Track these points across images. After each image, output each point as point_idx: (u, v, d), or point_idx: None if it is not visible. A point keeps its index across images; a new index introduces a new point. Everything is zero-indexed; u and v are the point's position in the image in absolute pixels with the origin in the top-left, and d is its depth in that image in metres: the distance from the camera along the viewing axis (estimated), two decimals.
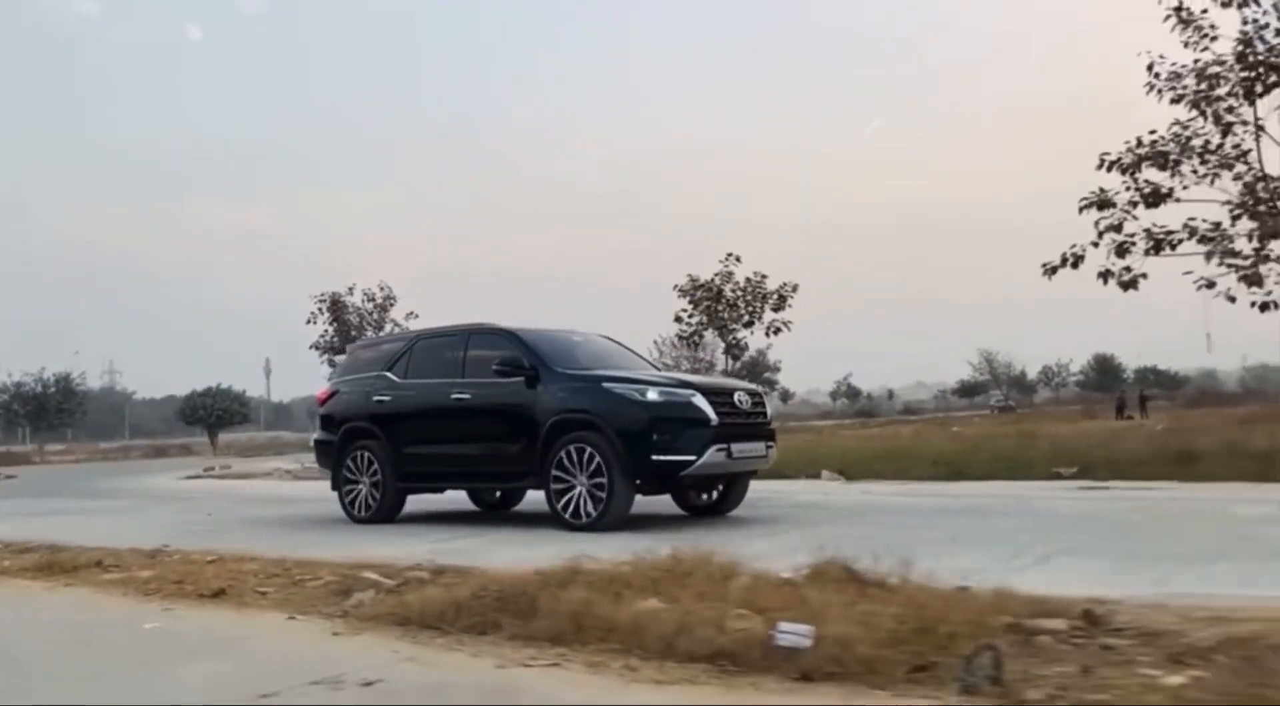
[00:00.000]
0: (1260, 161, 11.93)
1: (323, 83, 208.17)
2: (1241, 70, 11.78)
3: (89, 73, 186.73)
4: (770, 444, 8.39)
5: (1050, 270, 12.61)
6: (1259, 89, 11.78)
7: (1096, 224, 12.32)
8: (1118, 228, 12.22)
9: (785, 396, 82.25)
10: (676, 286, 20.61)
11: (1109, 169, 12.36)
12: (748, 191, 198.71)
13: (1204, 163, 12.05)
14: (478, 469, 8.90)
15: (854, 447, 17.63)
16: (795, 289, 20.33)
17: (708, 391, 7.99)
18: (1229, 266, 11.72)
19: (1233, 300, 11.80)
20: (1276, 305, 11.70)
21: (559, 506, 7.92)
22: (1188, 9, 12.08)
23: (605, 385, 8.01)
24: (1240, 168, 12.05)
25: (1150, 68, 12.28)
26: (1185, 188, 12.24)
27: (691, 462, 7.65)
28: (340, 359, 23.23)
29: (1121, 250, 12.13)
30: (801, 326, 20.64)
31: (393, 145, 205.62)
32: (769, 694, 3.19)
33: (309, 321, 24.27)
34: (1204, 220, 11.95)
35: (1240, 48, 11.82)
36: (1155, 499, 8.98)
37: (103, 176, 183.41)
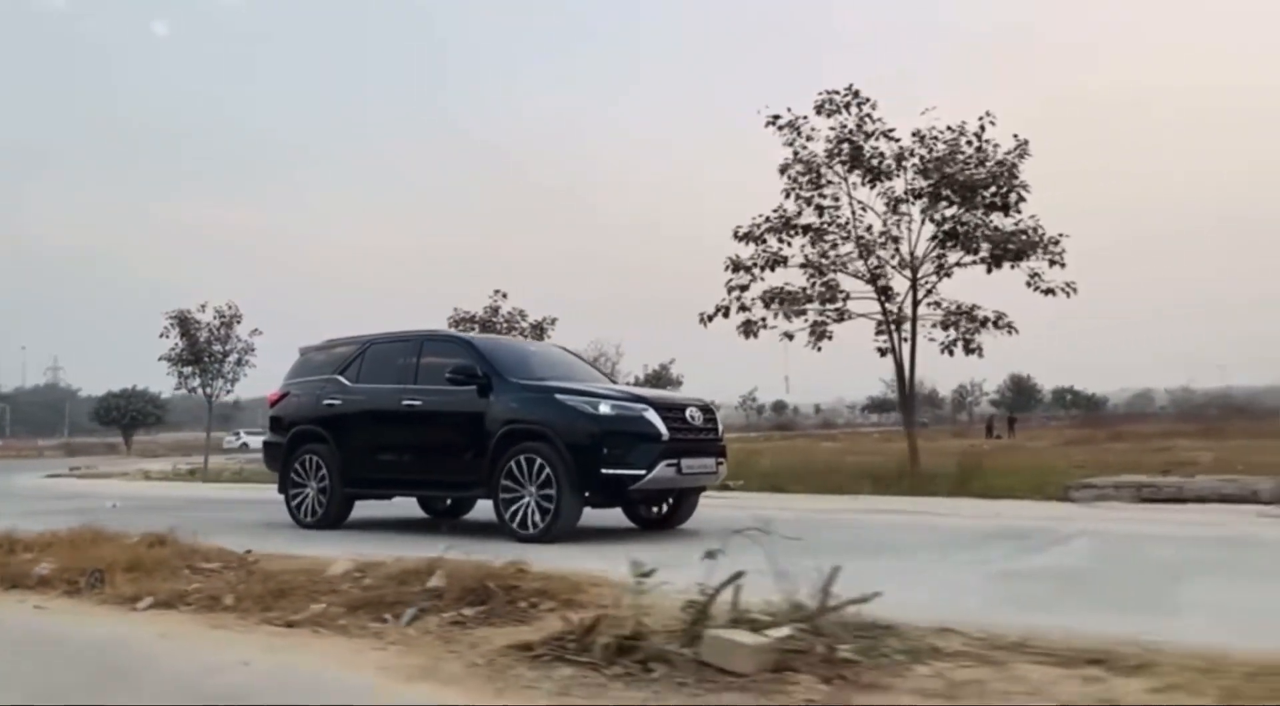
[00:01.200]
0: (855, 233, 13.87)
1: (302, 81, 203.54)
2: (838, 163, 13.77)
3: (61, 67, 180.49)
4: (721, 460, 8.07)
5: (707, 318, 14.14)
6: (867, 178, 13.77)
7: (727, 283, 14.03)
8: (745, 287, 14.00)
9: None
10: (449, 318, 22.01)
11: (739, 239, 14.03)
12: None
13: (820, 237, 13.89)
14: (427, 476, 8.44)
15: None
16: (554, 322, 22.54)
17: (660, 406, 7.67)
18: (814, 322, 13.92)
19: (819, 349, 13.98)
20: (887, 351, 14.02)
21: (507, 516, 7.52)
22: (794, 117, 13.90)
23: (558, 397, 7.64)
24: (868, 238, 13.89)
25: (794, 153, 13.97)
26: (809, 254, 13.92)
27: (641, 477, 7.34)
28: (188, 369, 24.38)
29: (743, 306, 13.98)
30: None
31: (374, 148, 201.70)
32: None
33: (162, 335, 24.79)
34: (790, 284, 14.00)
35: (831, 147, 13.79)
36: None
37: (76, 172, 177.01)
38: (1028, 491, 11.38)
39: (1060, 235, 13.43)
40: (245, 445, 54.07)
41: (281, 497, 9.18)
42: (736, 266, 14.02)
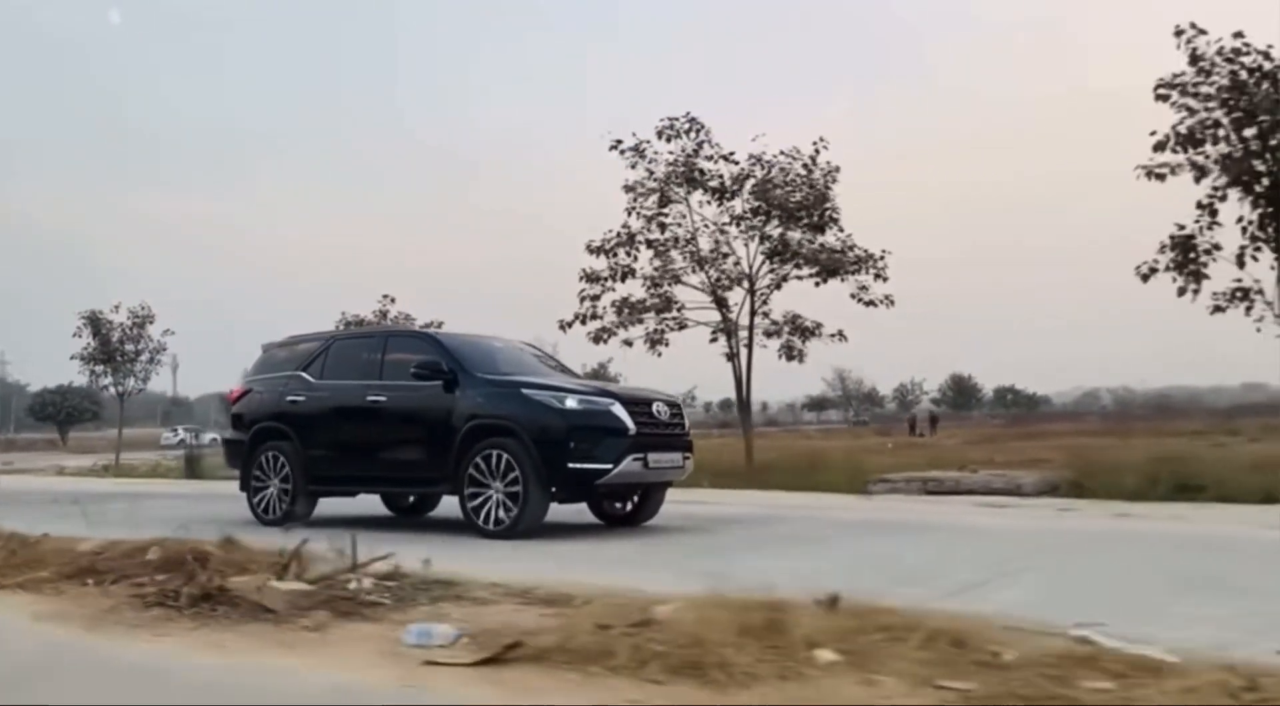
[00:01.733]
0: (695, 249, 14.72)
1: (266, 76, 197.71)
2: (675, 186, 14.58)
3: (16, 59, 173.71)
4: (687, 455, 8.04)
5: (565, 325, 14.98)
6: (714, 197, 14.57)
7: (580, 293, 14.82)
8: (597, 297, 14.80)
9: None
10: (336, 322, 22.22)
11: (591, 252, 14.81)
12: None
13: (665, 251, 14.72)
14: (391, 473, 8.30)
15: None
16: (440, 324, 23.25)
17: (627, 401, 7.62)
18: (651, 329, 14.83)
19: (659, 354, 14.89)
20: (732, 357, 14.84)
21: (472, 512, 7.41)
22: (637, 142, 14.67)
23: (524, 391, 7.56)
24: (704, 254, 14.70)
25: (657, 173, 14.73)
26: (655, 266, 14.74)
27: (607, 471, 7.28)
28: (99, 368, 24.76)
29: (595, 314, 14.84)
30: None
31: (340, 145, 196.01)
32: None
33: (75, 334, 25.38)
34: (633, 295, 14.89)
35: (672, 170, 14.56)
36: None
37: (32, 164, 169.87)
38: (843, 485, 12.06)
39: (883, 252, 14.61)
40: (183, 441, 52.73)
41: (168, 490, 8.91)
42: (591, 278, 14.79)
